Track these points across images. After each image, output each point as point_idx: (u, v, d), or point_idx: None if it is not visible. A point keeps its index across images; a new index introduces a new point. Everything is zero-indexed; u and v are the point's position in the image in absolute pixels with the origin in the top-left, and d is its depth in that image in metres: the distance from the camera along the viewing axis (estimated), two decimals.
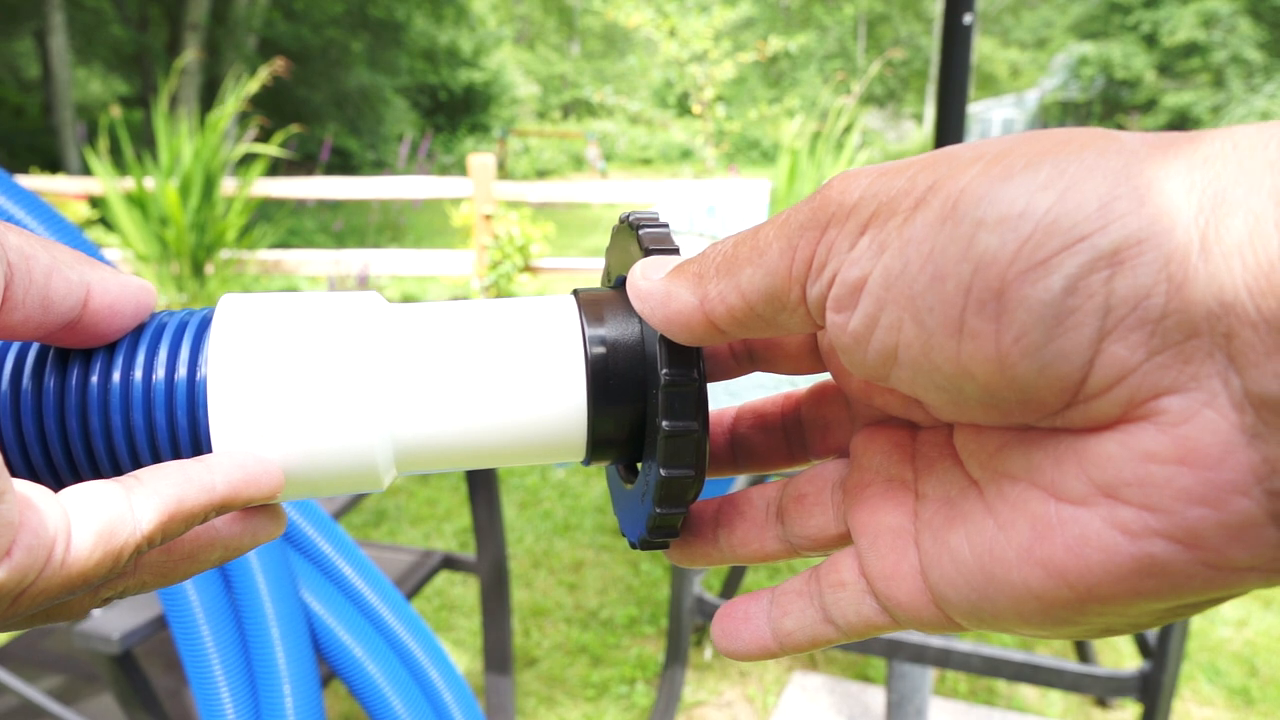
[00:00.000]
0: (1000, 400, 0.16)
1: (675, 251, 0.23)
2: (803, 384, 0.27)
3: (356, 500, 1.28)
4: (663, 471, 0.22)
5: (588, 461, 0.25)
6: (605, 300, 0.24)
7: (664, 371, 0.21)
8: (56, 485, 0.21)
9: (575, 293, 0.25)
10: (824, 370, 0.24)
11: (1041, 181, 0.15)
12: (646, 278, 0.21)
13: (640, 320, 0.23)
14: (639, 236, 0.23)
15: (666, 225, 0.24)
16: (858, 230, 0.17)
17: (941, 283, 0.16)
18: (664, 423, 0.21)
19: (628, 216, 0.24)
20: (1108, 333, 0.15)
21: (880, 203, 0.17)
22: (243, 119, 6.64)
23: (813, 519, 0.23)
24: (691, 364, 0.21)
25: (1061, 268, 0.15)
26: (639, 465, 0.25)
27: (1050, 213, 0.15)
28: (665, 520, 0.23)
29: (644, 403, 0.23)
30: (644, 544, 0.24)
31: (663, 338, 0.21)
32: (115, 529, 0.19)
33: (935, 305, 0.16)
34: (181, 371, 0.22)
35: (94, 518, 0.19)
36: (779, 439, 0.26)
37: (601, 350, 0.23)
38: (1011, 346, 0.15)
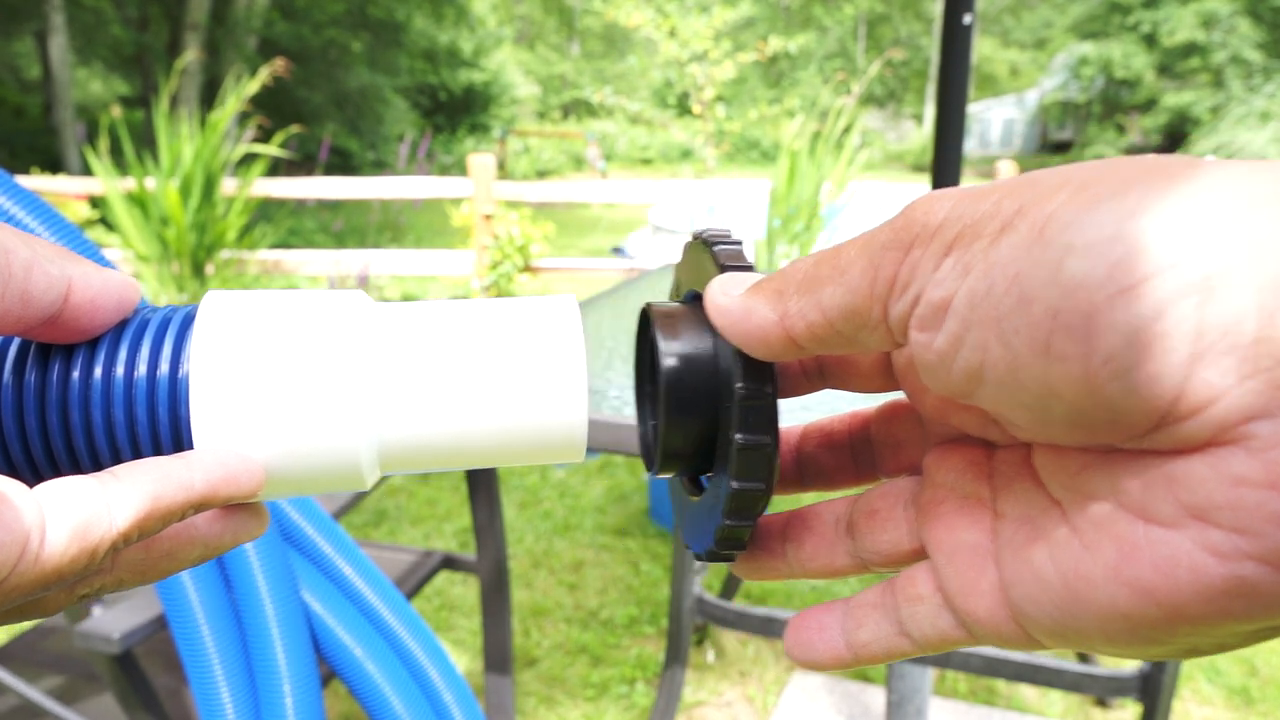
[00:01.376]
0: (1088, 420, 0.16)
1: (751, 268, 0.23)
2: (863, 403, 0.27)
3: (357, 500, 1.28)
4: (734, 484, 0.22)
5: (655, 472, 0.25)
6: (678, 314, 0.24)
7: (739, 386, 0.22)
8: (36, 481, 0.21)
9: (649, 306, 0.25)
10: (895, 389, 0.24)
11: (1129, 208, 0.15)
12: (726, 293, 0.22)
13: (713, 335, 0.24)
14: (714, 253, 0.24)
15: (740, 242, 0.24)
16: (942, 251, 0.18)
17: (1028, 305, 0.16)
18: (738, 436, 0.21)
19: (701, 233, 0.25)
20: (1198, 357, 0.15)
21: (965, 225, 0.17)
22: (243, 119, 6.64)
23: (885, 534, 0.23)
24: (766, 379, 0.22)
25: (1152, 293, 0.15)
26: (703, 478, 0.25)
27: (1139, 239, 0.15)
28: (734, 533, 0.23)
29: (714, 416, 0.23)
30: (710, 555, 0.24)
31: (738, 352, 0.22)
32: (91, 525, 0.19)
33: (1021, 328, 0.16)
34: (164, 368, 0.22)
35: (69, 514, 0.19)
36: (846, 457, 0.26)
37: (675, 363, 0.23)
38: (1101, 368, 0.15)
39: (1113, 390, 0.15)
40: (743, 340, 0.21)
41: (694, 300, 0.25)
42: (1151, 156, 0.16)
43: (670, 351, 0.23)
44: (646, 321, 0.26)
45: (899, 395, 0.25)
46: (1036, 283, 0.16)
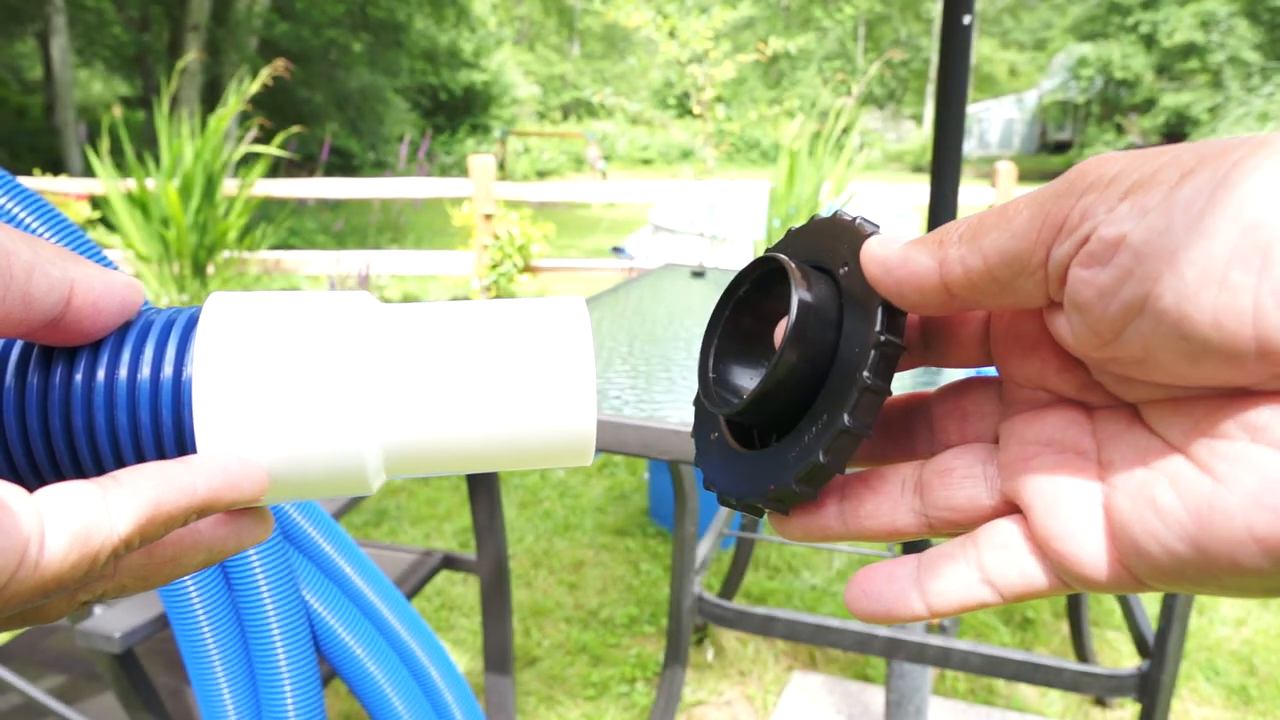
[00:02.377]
0: (1240, 355, 0.17)
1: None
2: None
3: (357, 500, 1.28)
4: (848, 420, 0.22)
5: (733, 412, 0.25)
6: (811, 276, 0.25)
7: (868, 376, 0.22)
8: (38, 485, 0.20)
9: (779, 260, 0.25)
10: (987, 364, 0.25)
11: None
12: (884, 245, 0.23)
13: (838, 294, 0.24)
14: (857, 224, 0.25)
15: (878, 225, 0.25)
16: (1118, 197, 0.19)
17: (1208, 239, 0.17)
18: (848, 419, 0.22)
19: (836, 211, 0.26)
20: None
21: (1142, 175, 0.18)
22: (244, 119, 6.65)
23: (963, 490, 0.24)
24: (902, 332, 0.23)
25: None
26: (754, 433, 0.26)
27: None
28: (792, 497, 0.23)
29: (819, 383, 0.24)
30: (772, 499, 0.24)
31: (884, 304, 0.23)
32: (91, 531, 0.19)
33: (1198, 259, 0.17)
34: (167, 371, 0.22)
35: (69, 520, 0.19)
36: (900, 434, 0.27)
37: (802, 319, 0.23)
38: (1267, 298, 0.17)
39: (1276, 319, 0.17)
40: (896, 287, 0.22)
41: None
42: None
43: (803, 303, 0.24)
44: (761, 273, 0.26)
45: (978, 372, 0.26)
46: (1220, 220, 0.17)
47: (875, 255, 0.23)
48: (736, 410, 0.25)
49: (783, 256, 0.25)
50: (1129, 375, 0.20)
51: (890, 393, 0.23)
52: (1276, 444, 0.18)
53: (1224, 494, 0.18)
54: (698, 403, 0.28)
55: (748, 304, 0.27)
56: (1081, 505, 0.21)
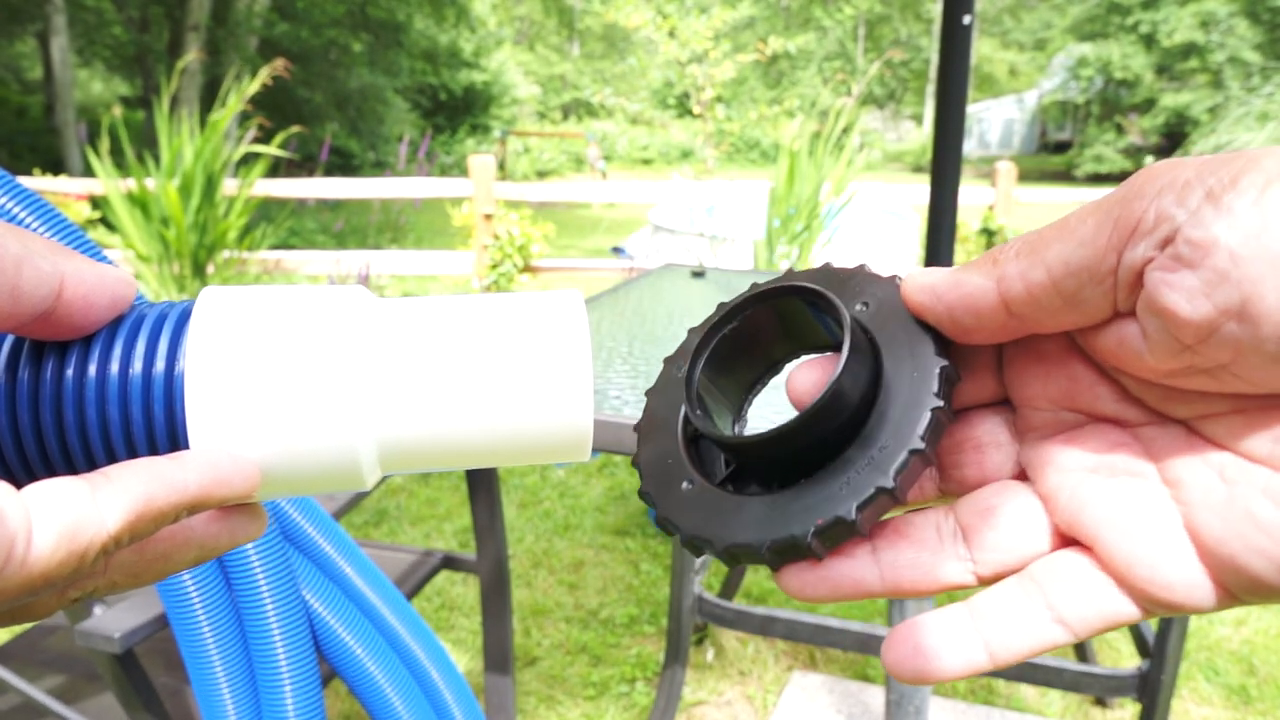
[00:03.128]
0: None
1: None
2: None
3: (357, 500, 1.28)
4: (854, 515, 0.21)
5: (753, 451, 0.23)
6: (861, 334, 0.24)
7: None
8: (29, 481, 0.20)
9: (797, 285, 0.24)
10: (1002, 396, 0.24)
11: None
12: (927, 274, 0.22)
13: (875, 367, 0.23)
14: (862, 268, 0.24)
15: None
16: (1199, 200, 0.18)
17: None
18: (889, 483, 0.21)
19: (824, 264, 0.25)
20: None
21: (1221, 179, 0.18)
22: (243, 119, 6.64)
23: (1014, 530, 0.22)
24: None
25: None
26: (744, 477, 0.25)
27: None
28: (847, 531, 0.21)
29: (849, 436, 0.22)
30: (775, 550, 0.22)
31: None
32: (79, 528, 0.19)
33: None
34: (159, 366, 0.22)
35: (57, 516, 0.18)
36: None
37: (840, 384, 0.22)
38: None
39: None
40: (949, 312, 0.21)
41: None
42: None
43: (854, 320, 0.23)
44: (788, 300, 0.25)
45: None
46: None
47: (921, 283, 0.22)
48: (764, 438, 0.23)
49: (813, 285, 0.24)
50: (1192, 388, 0.20)
51: (934, 461, 0.21)
52: None
53: None
54: (651, 457, 0.26)
55: (730, 341, 0.26)
56: (1159, 528, 0.20)
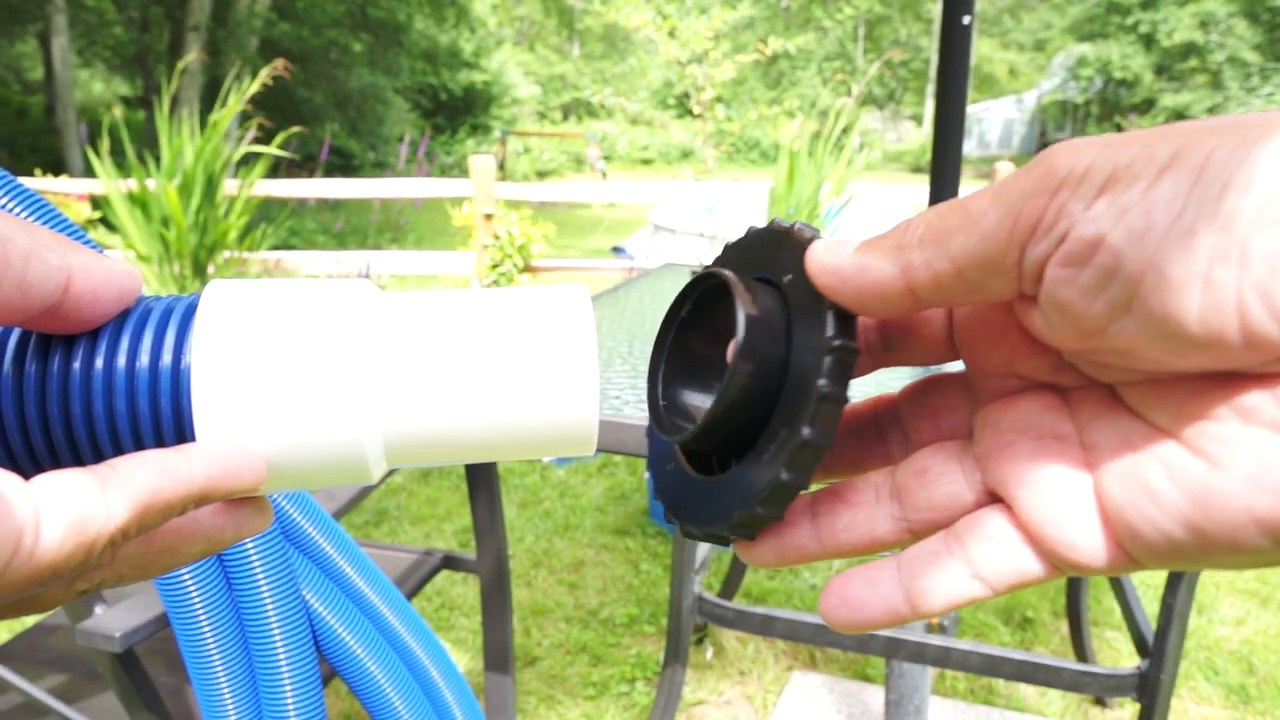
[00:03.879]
0: (1226, 346, 0.18)
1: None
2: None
3: (357, 500, 1.28)
4: (785, 475, 0.21)
5: (688, 441, 0.24)
6: (756, 290, 0.24)
7: (824, 383, 0.21)
8: (36, 474, 0.20)
9: (722, 277, 0.24)
10: (955, 359, 0.25)
11: (1277, 148, 0.17)
12: (832, 252, 0.22)
13: (785, 309, 0.23)
14: (795, 229, 0.24)
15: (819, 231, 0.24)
16: (1093, 193, 0.18)
17: (1190, 237, 0.17)
18: (807, 431, 0.21)
19: (774, 221, 0.25)
20: None
21: (1117, 168, 0.18)
22: (244, 119, 6.65)
23: (942, 488, 0.23)
24: (855, 335, 0.22)
25: None
26: (713, 460, 0.25)
27: None
28: (757, 520, 0.22)
29: (772, 402, 0.23)
30: (737, 526, 0.23)
31: (835, 307, 0.22)
32: (87, 520, 0.19)
33: (1181, 258, 0.17)
34: (166, 359, 0.22)
35: (65, 508, 0.18)
36: (873, 439, 0.26)
37: (750, 338, 0.22)
38: (1249, 293, 0.17)
39: (1259, 315, 0.17)
40: (856, 296, 0.21)
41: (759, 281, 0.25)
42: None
43: (749, 311, 0.23)
44: (702, 291, 0.25)
45: (946, 368, 0.26)
46: (1200, 217, 0.17)
47: (825, 265, 0.22)
48: (690, 436, 0.24)
49: (724, 271, 0.24)
50: (1108, 363, 0.20)
51: (848, 399, 0.22)
52: (1269, 425, 0.18)
53: (1220, 477, 0.18)
54: (650, 432, 0.27)
55: (692, 324, 0.26)
56: (1070, 490, 0.21)
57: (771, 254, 0.24)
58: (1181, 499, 0.19)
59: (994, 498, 0.23)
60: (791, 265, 0.23)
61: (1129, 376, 0.20)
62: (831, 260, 0.22)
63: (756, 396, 0.23)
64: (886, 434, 0.26)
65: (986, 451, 0.23)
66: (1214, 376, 0.19)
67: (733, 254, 0.26)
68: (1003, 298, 0.21)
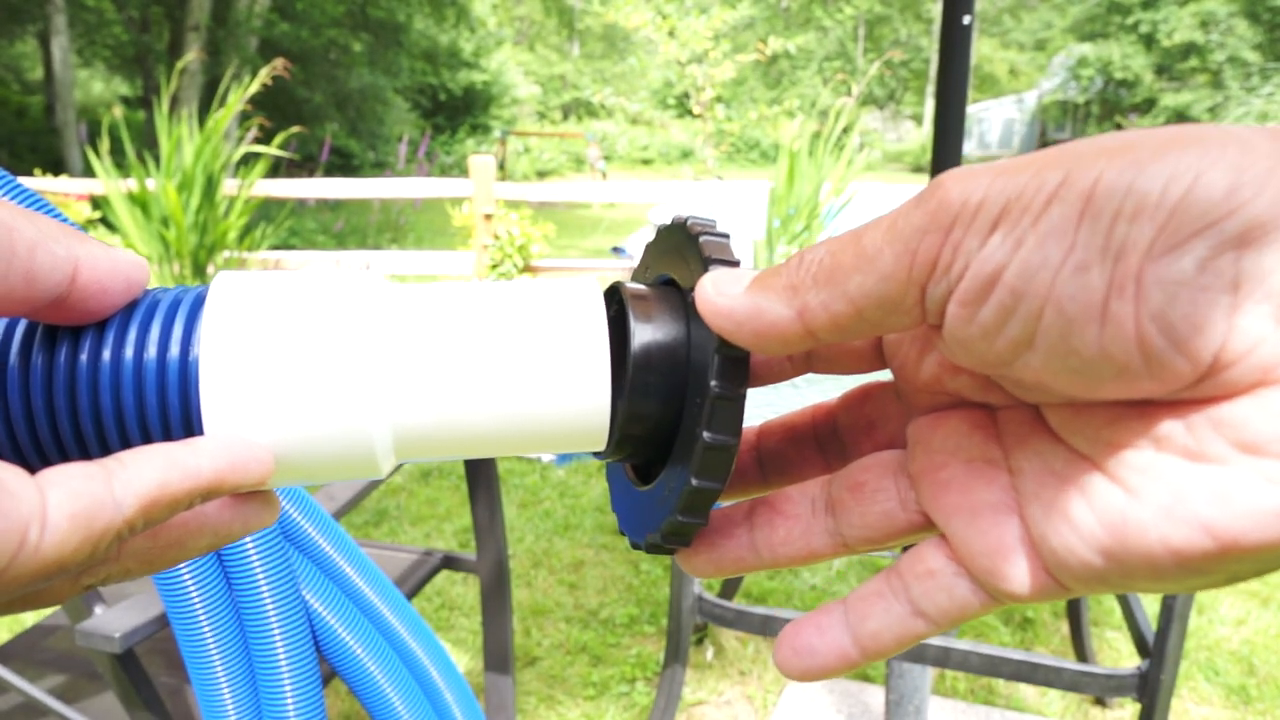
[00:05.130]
0: (1133, 376, 0.17)
1: (737, 263, 0.22)
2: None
3: (357, 499, 1.28)
4: (695, 481, 0.22)
5: (606, 455, 0.24)
6: (651, 298, 0.24)
7: (715, 384, 0.21)
8: (42, 467, 0.19)
9: (617, 285, 0.25)
10: (883, 368, 0.24)
11: (1169, 173, 0.16)
12: (723, 293, 0.21)
13: (686, 322, 0.23)
14: (700, 244, 0.23)
15: (728, 235, 0.23)
16: (987, 228, 0.18)
17: (1085, 272, 0.17)
18: (706, 434, 0.21)
19: (684, 220, 0.24)
20: (1238, 307, 0.16)
21: (1009, 199, 0.18)
22: (243, 119, 6.65)
23: (875, 506, 0.23)
24: (742, 380, 0.21)
25: (1193, 251, 0.16)
26: (653, 469, 0.25)
27: (1182, 202, 0.16)
28: (683, 529, 0.23)
29: (679, 406, 0.23)
30: (651, 547, 0.24)
31: (720, 347, 0.21)
32: (94, 514, 0.18)
33: (1078, 293, 0.17)
34: (173, 351, 0.22)
35: (71, 502, 0.18)
36: (811, 449, 0.26)
37: (644, 350, 0.23)
38: (1149, 325, 0.16)
39: (1161, 345, 0.17)
40: (753, 339, 0.21)
41: (666, 284, 0.25)
42: (1177, 126, 0.17)
43: (641, 335, 0.23)
44: (615, 301, 0.25)
45: (870, 378, 0.25)
46: (1092, 250, 0.17)
47: (719, 309, 0.21)
48: (608, 455, 0.24)
49: (627, 287, 0.24)
50: (1028, 388, 0.20)
51: (735, 446, 0.21)
52: (1182, 453, 0.17)
53: (1136, 507, 0.18)
54: None
55: (613, 337, 0.26)
56: (1000, 519, 0.20)
57: (682, 254, 0.24)
58: (1099, 529, 0.18)
59: (927, 519, 0.22)
60: (698, 274, 0.23)
61: (1051, 398, 0.20)
62: (724, 304, 0.21)
63: (658, 407, 0.23)
64: (825, 444, 0.26)
65: (920, 471, 0.22)
66: (1129, 403, 0.18)
67: (657, 247, 0.26)
68: (907, 330, 0.20)
